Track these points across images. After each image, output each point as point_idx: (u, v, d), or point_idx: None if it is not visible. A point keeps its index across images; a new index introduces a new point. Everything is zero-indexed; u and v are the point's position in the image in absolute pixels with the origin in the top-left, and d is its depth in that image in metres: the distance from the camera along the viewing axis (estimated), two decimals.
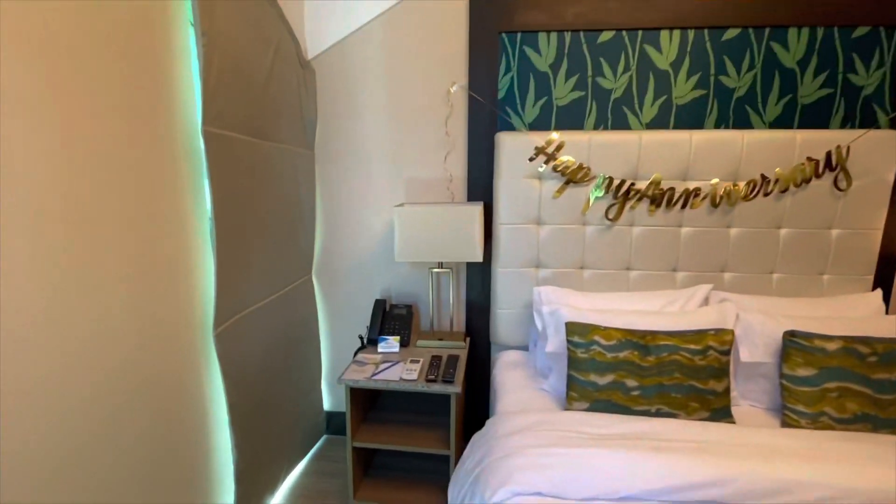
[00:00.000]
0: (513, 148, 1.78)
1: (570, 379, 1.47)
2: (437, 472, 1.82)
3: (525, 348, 1.94)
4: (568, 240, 1.83)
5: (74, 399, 0.97)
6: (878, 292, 1.69)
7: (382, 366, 1.67)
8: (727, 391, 1.41)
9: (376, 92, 1.93)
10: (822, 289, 1.78)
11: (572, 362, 1.47)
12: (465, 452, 1.43)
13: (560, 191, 1.78)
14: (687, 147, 1.71)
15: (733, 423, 1.39)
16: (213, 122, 1.26)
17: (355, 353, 1.81)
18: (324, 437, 2.18)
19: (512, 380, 1.68)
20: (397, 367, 1.65)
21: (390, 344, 1.79)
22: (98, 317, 1.02)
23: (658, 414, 1.39)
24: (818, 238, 1.74)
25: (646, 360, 1.42)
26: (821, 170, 1.68)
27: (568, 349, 1.49)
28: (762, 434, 1.21)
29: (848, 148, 1.65)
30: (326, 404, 2.19)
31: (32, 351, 0.88)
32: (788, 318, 1.53)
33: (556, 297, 1.75)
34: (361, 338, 1.87)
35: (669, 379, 1.40)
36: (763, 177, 1.70)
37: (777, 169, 1.69)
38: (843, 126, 1.75)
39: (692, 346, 1.42)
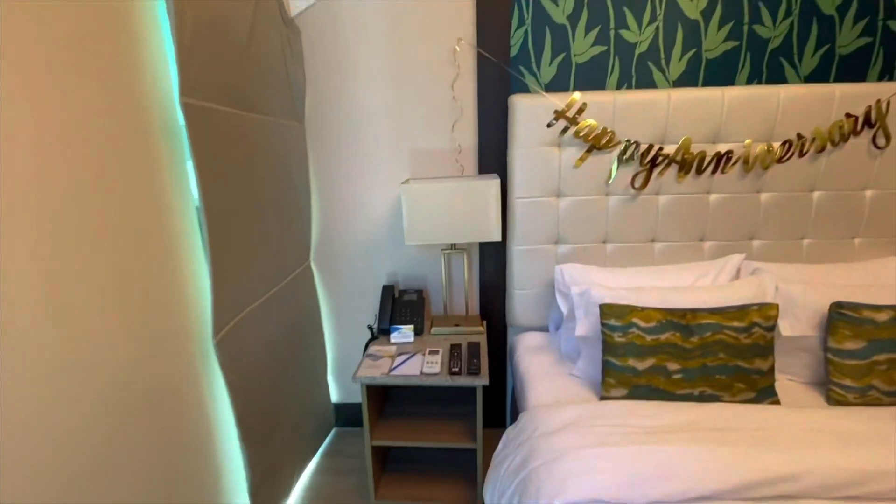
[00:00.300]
0: (529, 112, 1.60)
1: (606, 365, 1.37)
2: (458, 464, 1.73)
3: (543, 329, 1.83)
4: (590, 212, 1.69)
5: (66, 427, 0.80)
6: None
7: (399, 359, 1.54)
8: (772, 370, 1.33)
9: (371, 53, 1.70)
10: (853, 253, 1.70)
11: (608, 347, 1.37)
12: (500, 451, 1.32)
13: (582, 159, 1.63)
14: (719, 106, 1.56)
15: (778, 402, 1.32)
16: (192, 92, 1.04)
17: (366, 346, 1.67)
18: (333, 431, 2.07)
19: (538, 366, 1.57)
20: (416, 360, 1.52)
21: (404, 334, 1.66)
22: (79, 334, 0.84)
23: (701, 397, 1.31)
24: (852, 200, 1.65)
25: (689, 342, 1.32)
26: (859, 127, 1.56)
27: (603, 333, 1.38)
28: (824, 417, 1.13)
29: (888, 102, 1.54)
30: (334, 396, 2.07)
31: (17, 376, 0.71)
32: (830, 287, 1.44)
33: (580, 274, 1.63)
34: (371, 328, 1.73)
35: (713, 360, 1.31)
36: (799, 136, 1.58)
37: (814, 127, 1.57)
38: (880, 79, 1.63)
39: (736, 324, 1.33)
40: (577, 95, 1.57)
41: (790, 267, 1.62)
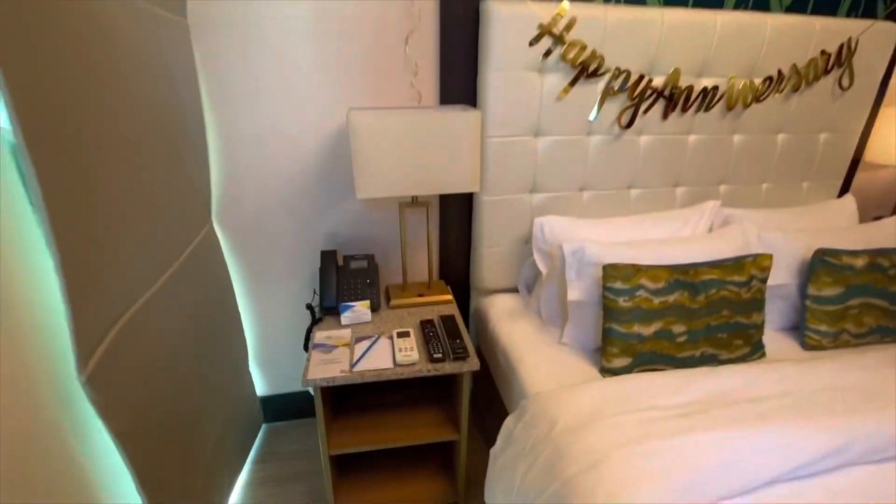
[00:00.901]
0: (507, 24, 1.26)
1: (608, 333, 1.20)
2: (429, 453, 1.49)
3: (511, 290, 1.61)
4: (570, 155, 1.46)
5: None
6: (851, 198, 1.70)
7: (360, 346, 1.20)
8: (763, 323, 1.28)
9: None
10: (801, 197, 1.74)
11: (611, 312, 1.19)
12: (502, 448, 1.11)
13: (566, 90, 1.36)
14: (711, 32, 1.38)
15: (765, 354, 1.29)
16: None
17: (309, 332, 1.29)
18: (262, 429, 1.68)
19: (521, 336, 1.36)
20: (383, 346, 1.20)
21: (358, 312, 1.30)
22: None
23: (702, 358, 1.22)
24: (808, 143, 1.65)
25: (695, 301, 1.20)
26: (830, 65, 1.51)
27: (605, 298, 1.20)
28: (838, 372, 1.09)
29: (857, 41, 1.50)
30: (259, 388, 1.66)
31: None
32: (804, 233, 1.43)
33: (562, 228, 1.42)
34: (311, 308, 1.34)
35: (717, 318, 1.22)
36: (779, 73, 1.48)
37: (792, 64, 1.48)
38: (848, 15, 1.58)
39: (736, 278, 1.23)
40: (566, 4, 1.26)
41: (756, 213, 1.59)
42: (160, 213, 1.00)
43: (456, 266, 1.62)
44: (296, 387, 1.69)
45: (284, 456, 1.57)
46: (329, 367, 1.12)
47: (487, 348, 1.47)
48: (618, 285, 1.18)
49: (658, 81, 1.41)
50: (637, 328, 1.18)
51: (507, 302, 1.54)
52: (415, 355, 1.14)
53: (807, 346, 1.35)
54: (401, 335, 1.23)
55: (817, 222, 1.59)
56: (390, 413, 1.34)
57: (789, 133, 1.61)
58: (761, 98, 1.50)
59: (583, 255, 1.27)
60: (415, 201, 1.37)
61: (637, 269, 1.19)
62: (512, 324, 1.42)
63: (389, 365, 1.13)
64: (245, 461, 1.52)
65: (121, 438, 0.74)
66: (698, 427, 0.91)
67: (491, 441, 1.18)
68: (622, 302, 1.18)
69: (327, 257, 1.38)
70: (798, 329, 1.40)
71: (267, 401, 1.68)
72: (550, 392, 1.08)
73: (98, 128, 0.77)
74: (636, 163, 1.52)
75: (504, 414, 1.39)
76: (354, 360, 1.14)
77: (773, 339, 1.40)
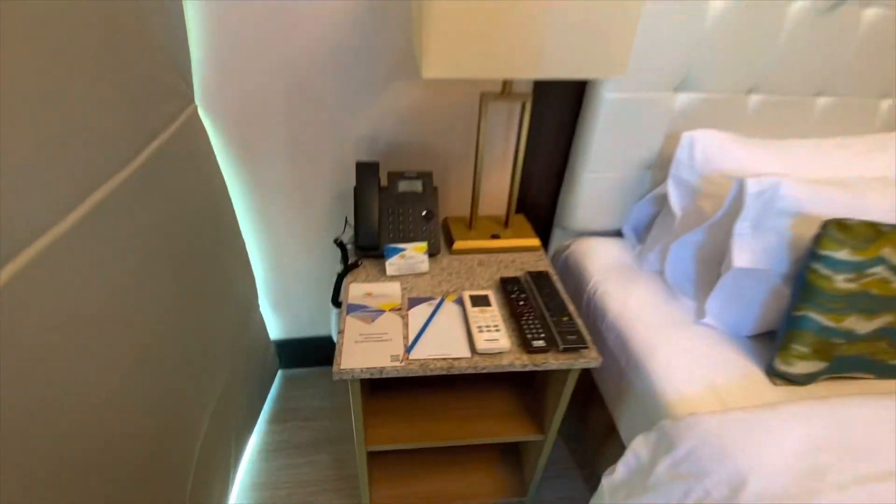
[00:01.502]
0: None
1: (798, 323, 0.77)
2: (477, 449, 1.15)
3: (610, 233, 1.17)
4: (753, 31, 0.92)
5: None
6: None
7: (415, 314, 0.80)
8: None
9: None
10: None
11: (815, 293, 0.75)
12: (630, 487, 0.76)
13: None
14: None
15: None
16: None
17: (339, 280, 0.88)
18: (279, 376, 1.38)
19: (641, 307, 0.95)
20: (450, 317, 0.80)
21: (410, 259, 0.88)
22: None
23: None
24: None
25: None
26: None
27: (810, 270, 0.75)
28: None
29: None
30: (273, 332, 1.32)
31: None
32: None
33: (722, 151, 0.93)
34: (342, 245, 0.92)
35: None
36: None
37: None
38: None
39: None
40: None
41: None
42: (100, 83, 0.54)
43: (539, 194, 1.16)
44: (318, 331, 1.35)
45: (305, 415, 1.28)
46: (374, 350, 0.73)
47: (583, 314, 1.07)
48: (841, 255, 0.73)
49: None
50: (852, 322, 0.76)
51: (611, 250, 1.11)
52: (503, 340, 0.74)
53: None
54: (476, 302, 0.82)
55: None
56: (444, 396, 0.98)
57: None
58: None
59: (774, 197, 0.80)
60: (505, 91, 0.87)
61: (878, 232, 0.73)
62: (624, 285, 1.00)
63: (465, 353, 0.73)
64: (258, 417, 1.23)
65: None
66: None
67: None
68: (841, 281, 0.74)
69: (366, 172, 0.92)
70: None
71: (283, 345, 1.35)
72: (719, 421, 0.69)
73: None
74: (843, 54, 0.97)
75: (597, 409, 1.03)
76: (411, 341, 0.75)
77: None
